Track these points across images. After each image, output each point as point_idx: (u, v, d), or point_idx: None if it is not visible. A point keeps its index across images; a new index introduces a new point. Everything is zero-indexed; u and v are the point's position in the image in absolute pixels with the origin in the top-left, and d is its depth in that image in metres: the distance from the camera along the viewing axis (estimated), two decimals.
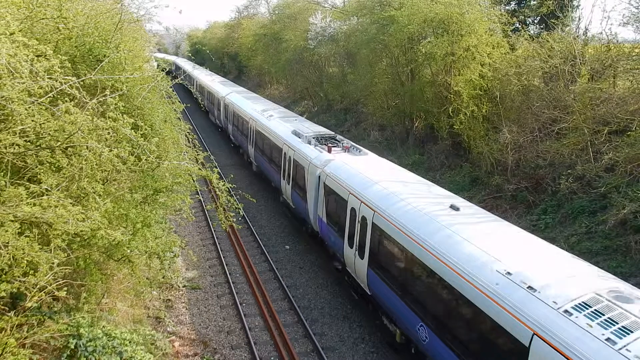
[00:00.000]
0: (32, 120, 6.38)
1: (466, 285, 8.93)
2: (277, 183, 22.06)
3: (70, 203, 6.49)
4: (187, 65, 62.07)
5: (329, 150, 17.41)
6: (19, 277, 6.19)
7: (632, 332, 6.79)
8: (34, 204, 6.19)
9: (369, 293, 13.53)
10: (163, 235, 10.62)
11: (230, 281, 16.41)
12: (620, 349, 6.53)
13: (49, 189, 6.46)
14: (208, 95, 43.91)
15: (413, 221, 11.23)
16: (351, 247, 14.02)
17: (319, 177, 16.42)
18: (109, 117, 7.29)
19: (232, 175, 14.84)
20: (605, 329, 6.92)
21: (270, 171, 23.21)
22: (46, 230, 6.53)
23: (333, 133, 21.31)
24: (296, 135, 20.27)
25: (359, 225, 13.44)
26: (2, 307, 7.06)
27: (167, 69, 16.87)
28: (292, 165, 19.28)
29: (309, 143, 18.79)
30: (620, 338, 6.69)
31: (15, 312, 7.15)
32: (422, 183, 14.43)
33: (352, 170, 15.18)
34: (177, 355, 12.23)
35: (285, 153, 20.31)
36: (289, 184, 19.87)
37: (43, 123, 6.49)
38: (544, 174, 17.87)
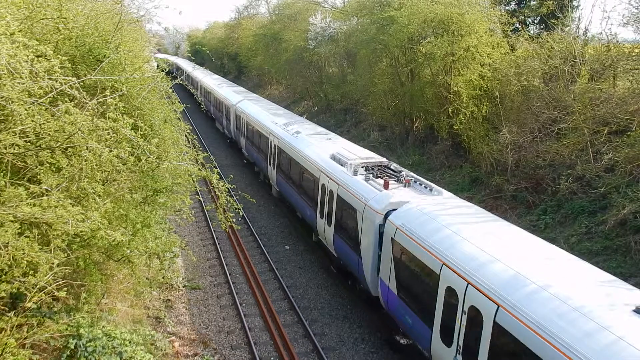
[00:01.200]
0: (32, 121, 6.38)
1: None
2: (310, 219, 17.68)
3: (70, 203, 6.49)
4: (192, 68, 58.69)
5: (386, 186, 13.29)
6: (18, 277, 6.19)
7: None
8: (34, 205, 6.19)
9: None
10: (163, 235, 10.63)
11: (230, 281, 16.41)
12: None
13: (49, 189, 6.46)
14: (215, 102, 40.18)
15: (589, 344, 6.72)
16: (449, 346, 9.57)
17: (383, 228, 12.28)
18: (108, 118, 7.29)
19: (231, 176, 14.83)
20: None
21: (299, 203, 18.96)
22: (46, 230, 6.53)
23: (384, 159, 16.61)
24: (337, 162, 16.05)
25: (465, 317, 9.06)
26: (2, 307, 7.06)
27: (167, 69, 16.81)
28: (336, 203, 15.09)
29: (356, 173, 14.63)
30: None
31: (15, 313, 7.15)
32: (553, 251, 9.58)
33: (439, 225, 10.80)
34: (177, 355, 12.23)
35: (323, 185, 16.12)
36: (329, 226, 15.60)
37: (43, 123, 6.50)
38: (543, 174, 17.88)
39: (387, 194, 12.81)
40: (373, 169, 15.11)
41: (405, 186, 13.59)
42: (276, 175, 22.08)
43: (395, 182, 13.83)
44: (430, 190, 13.26)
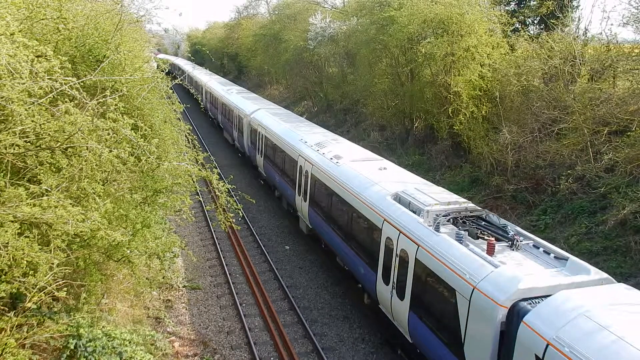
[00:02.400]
0: (32, 121, 6.38)
1: None
2: (367, 282, 13.30)
3: (70, 203, 6.49)
4: (196, 71, 54.79)
5: (490, 251, 9.35)
6: (18, 277, 6.19)
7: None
8: (34, 205, 6.19)
9: None
10: (163, 235, 10.64)
11: (230, 281, 16.41)
12: None
13: (49, 189, 6.46)
14: (223, 110, 35.48)
15: None
16: None
17: (508, 327, 8.04)
18: (109, 118, 7.29)
19: (231, 176, 14.83)
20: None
21: (348, 254, 14.54)
22: (46, 230, 6.53)
23: (470, 203, 12.13)
24: (405, 207, 11.89)
25: None
26: (2, 307, 7.06)
27: (167, 70, 16.75)
28: (413, 270, 10.75)
29: (439, 228, 10.46)
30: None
31: (15, 313, 7.15)
32: None
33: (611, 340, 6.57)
34: (177, 355, 12.23)
35: (388, 240, 11.85)
36: (401, 299, 11.27)
37: (43, 123, 6.50)
38: (543, 175, 17.88)
39: (515, 275, 8.46)
40: (460, 220, 10.99)
41: (513, 249, 9.64)
42: (309, 209, 17.69)
43: (502, 244, 9.82)
44: (563, 261, 9.03)
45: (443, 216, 10.93)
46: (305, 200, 18.06)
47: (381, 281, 12.21)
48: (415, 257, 10.57)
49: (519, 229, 10.64)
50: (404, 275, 11.07)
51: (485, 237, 10.01)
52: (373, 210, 12.77)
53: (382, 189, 13.24)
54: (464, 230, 10.32)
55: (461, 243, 9.81)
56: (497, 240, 9.88)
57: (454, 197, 12.43)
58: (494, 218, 11.15)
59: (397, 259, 11.41)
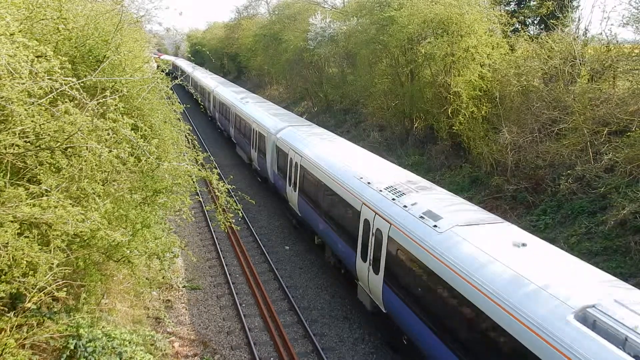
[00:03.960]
0: (32, 121, 6.39)
1: None
2: None
3: (70, 204, 6.49)
4: (199, 73, 50.75)
5: None
6: (18, 277, 6.19)
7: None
8: (34, 205, 6.19)
9: None
10: (163, 235, 10.62)
11: (230, 282, 16.41)
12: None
13: (49, 189, 6.46)
14: (236, 122, 30.33)
15: None
16: None
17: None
18: (108, 118, 7.29)
19: (231, 176, 14.82)
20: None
21: None
22: (46, 230, 6.53)
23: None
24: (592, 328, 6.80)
25: None
26: (2, 307, 7.06)
27: (167, 70, 16.67)
28: None
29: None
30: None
31: (14, 313, 7.15)
32: None
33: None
34: (177, 355, 12.23)
35: None
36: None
37: (43, 124, 6.50)
38: (543, 175, 17.88)
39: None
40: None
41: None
42: (385, 288, 11.78)
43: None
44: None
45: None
46: (377, 272, 12.06)
47: None
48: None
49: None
50: None
51: None
52: (505, 313, 7.83)
53: (556, 311, 7.23)
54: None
55: None
56: None
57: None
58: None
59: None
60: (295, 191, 18.60)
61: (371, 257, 12.35)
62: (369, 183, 13.35)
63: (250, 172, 28.58)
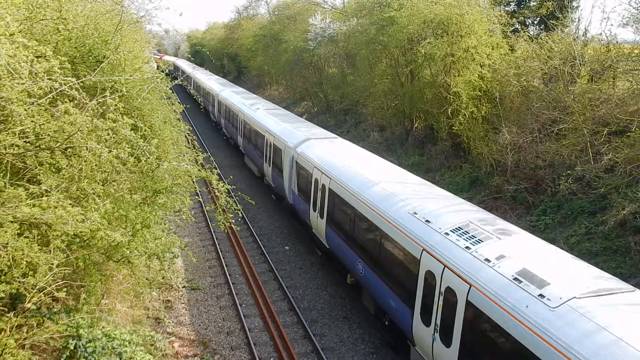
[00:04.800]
0: (32, 121, 6.39)
1: None
2: None
3: (70, 204, 6.49)
4: (200, 74, 48.48)
5: None
6: (18, 278, 6.18)
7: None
8: (34, 205, 6.19)
9: None
10: (162, 236, 10.62)
11: (230, 282, 16.40)
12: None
13: (49, 189, 6.46)
14: (245, 130, 27.56)
15: None
16: None
17: None
18: (108, 118, 7.29)
19: (231, 177, 14.81)
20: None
21: None
22: (46, 231, 6.53)
23: None
24: None
25: None
26: (2, 308, 7.05)
27: (168, 71, 16.62)
28: None
29: None
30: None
31: (14, 313, 7.15)
32: None
33: None
34: (177, 355, 12.22)
35: None
36: None
37: (43, 124, 6.50)
38: (543, 175, 17.88)
39: None
40: None
41: None
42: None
43: None
44: None
45: None
46: (447, 345, 9.24)
47: None
48: None
49: None
50: None
51: None
52: None
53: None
54: None
55: None
56: None
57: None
58: None
59: None
60: (322, 218, 15.69)
61: (438, 322, 9.52)
62: (427, 221, 10.65)
63: (251, 172, 28.53)
